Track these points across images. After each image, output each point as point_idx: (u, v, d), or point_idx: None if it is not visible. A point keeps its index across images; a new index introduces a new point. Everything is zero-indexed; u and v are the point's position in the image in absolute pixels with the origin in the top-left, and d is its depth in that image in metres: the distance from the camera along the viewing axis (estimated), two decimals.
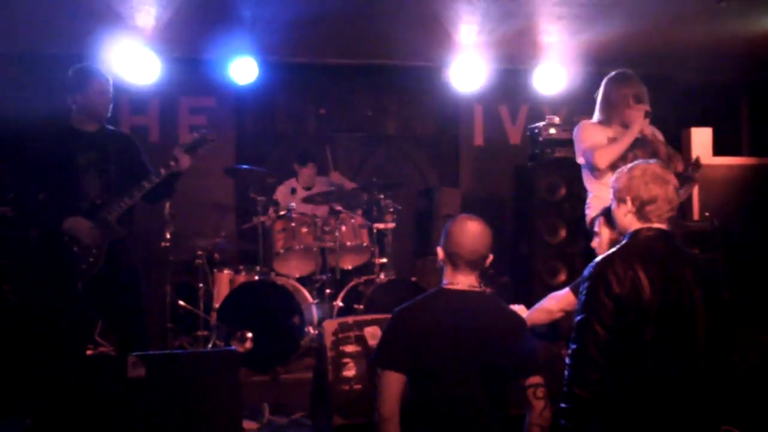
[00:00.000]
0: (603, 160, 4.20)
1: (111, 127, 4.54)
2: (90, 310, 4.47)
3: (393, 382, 2.85)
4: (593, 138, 4.34)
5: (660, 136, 4.44)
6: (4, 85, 5.95)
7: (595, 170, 4.31)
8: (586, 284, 2.76)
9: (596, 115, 4.47)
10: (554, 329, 3.69)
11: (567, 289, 3.61)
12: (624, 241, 2.85)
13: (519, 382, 2.90)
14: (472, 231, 2.98)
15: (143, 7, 5.22)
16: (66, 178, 4.24)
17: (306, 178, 6.77)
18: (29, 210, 4.40)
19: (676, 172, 4.18)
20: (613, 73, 4.44)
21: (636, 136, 4.22)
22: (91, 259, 4.21)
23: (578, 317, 2.74)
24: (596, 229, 3.58)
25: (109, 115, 4.42)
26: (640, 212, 2.81)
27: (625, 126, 4.27)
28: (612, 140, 4.27)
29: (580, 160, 4.42)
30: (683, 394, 2.64)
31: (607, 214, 3.52)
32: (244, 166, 5.89)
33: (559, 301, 3.61)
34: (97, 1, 5.04)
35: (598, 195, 4.26)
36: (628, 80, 4.37)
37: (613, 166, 4.10)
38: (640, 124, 4.22)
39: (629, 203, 2.83)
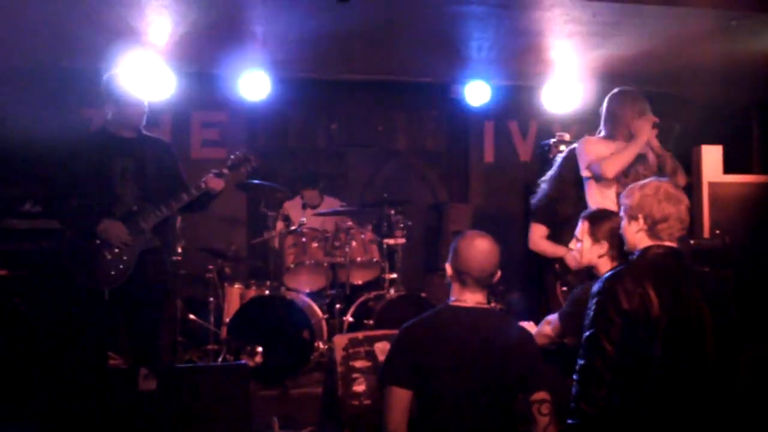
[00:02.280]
0: (610, 169, 4.22)
1: (149, 134, 4.56)
2: (114, 318, 4.43)
3: (399, 398, 2.86)
4: (597, 151, 4.39)
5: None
6: (20, 98, 6.01)
7: (600, 181, 4.34)
8: (594, 300, 2.76)
9: (601, 131, 4.53)
10: (565, 360, 3.64)
11: (557, 316, 3.59)
12: (633, 258, 2.86)
13: (525, 398, 2.90)
14: (480, 249, 2.97)
15: (157, 22, 5.26)
16: (101, 184, 4.25)
17: (311, 199, 6.74)
18: (62, 215, 4.42)
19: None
20: (616, 89, 4.50)
21: (643, 144, 4.26)
22: (121, 266, 4.20)
23: (586, 333, 2.74)
24: (577, 234, 3.56)
25: (144, 123, 4.44)
26: (652, 230, 2.81)
27: (632, 138, 4.30)
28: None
29: (585, 173, 4.45)
30: (690, 410, 2.63)
31: (591, 221, 3.51)
32: (257, 182, 5.91)
33: (553, 327, 3.59)
34: (112, 16, 5.08)
35: None
36: (633, 95, 4.45)
37: (623, 184, 4.15)
38: (647, 133, 4.25)
39: (641, 221, 2.83)
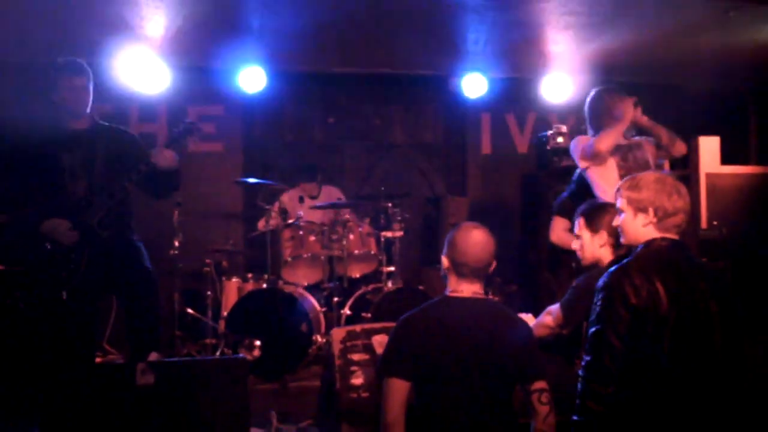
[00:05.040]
0: (602, 143, 4.36)
1: (104, 123, 4.36)
2: (82, 317, 4.25)
3: (397, 389, 2.86)
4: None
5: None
6: (14, 92, 5.98)
7: (597, 159, 4.45)
8: (601, 295, 2.69)
9: (589, 131, 4.68)
10: (563, 350, 3.64)
11: (558, 306, 3.59)
12: (638, 251, 2.80)
13: (524, 387, 2.90)
14: (476, 240, 2.98)
15: (153, 17, 5.24)
16: (50, 179, 4.07)
17: (310, 191, 6.75)
18: (12, 213, 4.18)
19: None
20: (593, 90, 4.68)
21: (629, 123, 4.45)
22: (72, 266, 4.05)
23: (593, 329, 2.68)
24: (576, 231, 3.56)
25: (88, 110, 4.21)
26: (662, 223, 2.77)
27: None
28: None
29: (583, 164, 4.53)
30: (699, 406, 2.61)
31: (586, 215, 3.51)
32: (253, 180, 5.87)
33: (555, 318, 3.59)
34: (107, 10, 5.06)
35: None
36: (607, 89, 4.64)
37: (623, 168, 4.24)
38: (631, 112, 4.43)
39: (651, 214, 2.78)
